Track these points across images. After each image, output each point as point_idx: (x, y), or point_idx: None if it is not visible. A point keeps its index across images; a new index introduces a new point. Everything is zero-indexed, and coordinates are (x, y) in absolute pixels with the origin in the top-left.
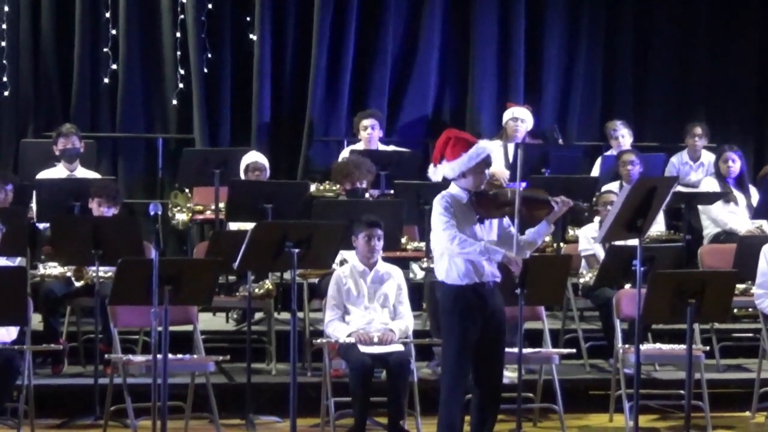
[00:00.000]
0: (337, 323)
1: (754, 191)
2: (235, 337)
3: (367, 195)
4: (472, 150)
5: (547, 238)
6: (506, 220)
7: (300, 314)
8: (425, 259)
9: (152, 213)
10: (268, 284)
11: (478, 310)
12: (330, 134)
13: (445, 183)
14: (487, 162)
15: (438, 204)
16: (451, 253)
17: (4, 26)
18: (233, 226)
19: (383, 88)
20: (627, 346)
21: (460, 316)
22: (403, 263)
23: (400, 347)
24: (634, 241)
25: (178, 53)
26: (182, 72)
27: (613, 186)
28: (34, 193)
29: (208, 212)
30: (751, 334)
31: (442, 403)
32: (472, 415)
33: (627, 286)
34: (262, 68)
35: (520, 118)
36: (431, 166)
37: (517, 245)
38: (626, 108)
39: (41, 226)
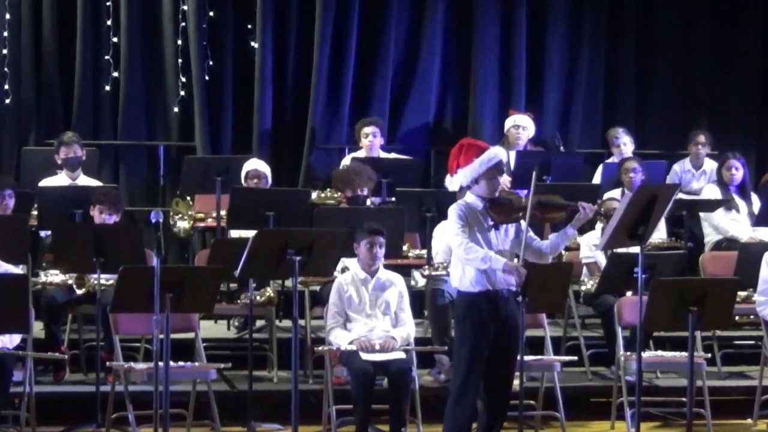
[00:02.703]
0: (338, 331)
1: (755, 199)
2: (237, 344)
3: (368, 202)
4: (484, 155)
5: None
6: (523, 225)
7: (301, 322)
8: (426, 267)
9: (154, 220)
10: (269, 292)
11: (490, 318)
12: (331, 142)
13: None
14: (499, 168)
15: (452, 212)
16: (459, 258)
17: (5, 34)
18: (235, 233)
19: (385, 96)
20: (629, 353)
21: (472, 324)
22: (405, 271)
23: (401, 355)
24: (635, 249)
25: (180, 61)
26: (183, 79)
27: (615, 193)
28: (36, 200)
29: (210, 220)
30: (752, 342)
31: (450, 407)
32: (480, 420)
33: (628, 293)
34: (264, 75)
35: (521, 125)
36: (448, 176)
37: (524, 250)
38: (628, 115)
39: (43, 233)
